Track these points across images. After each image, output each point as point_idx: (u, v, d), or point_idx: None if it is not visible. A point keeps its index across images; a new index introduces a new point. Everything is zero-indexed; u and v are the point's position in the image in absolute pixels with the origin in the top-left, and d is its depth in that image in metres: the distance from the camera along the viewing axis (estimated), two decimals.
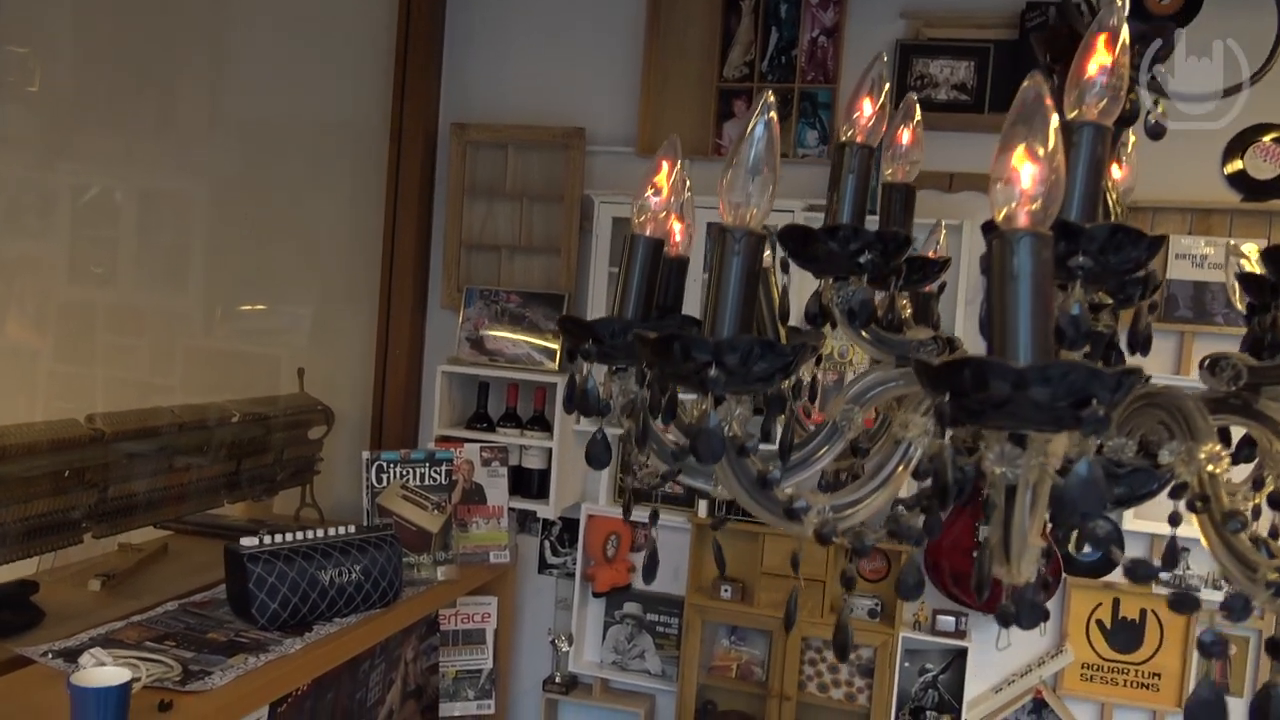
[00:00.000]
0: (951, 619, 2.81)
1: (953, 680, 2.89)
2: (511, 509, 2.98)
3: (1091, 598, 2.82)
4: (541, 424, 3.07)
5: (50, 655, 1.98)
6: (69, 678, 1.67)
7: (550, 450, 3.02)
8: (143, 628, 2.17)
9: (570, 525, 3.22)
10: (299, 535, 2.34)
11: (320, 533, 2.38)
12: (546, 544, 3.27)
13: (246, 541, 2.25)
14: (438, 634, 2.71)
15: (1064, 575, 2.78)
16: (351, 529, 2.44)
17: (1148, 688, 2.79)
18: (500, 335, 3.09)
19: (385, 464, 2.70)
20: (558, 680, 3.14)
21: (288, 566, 2.24)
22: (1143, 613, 2.79)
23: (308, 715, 2.18)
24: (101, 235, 3.06)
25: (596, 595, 3.12)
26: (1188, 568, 2.73)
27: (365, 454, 2.70)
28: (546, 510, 3.04)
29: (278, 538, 2.30)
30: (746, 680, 2.98)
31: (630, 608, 3.15)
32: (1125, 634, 2.80)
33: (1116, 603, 2.81)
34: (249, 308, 3.34)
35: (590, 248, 3.04)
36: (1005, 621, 0.62)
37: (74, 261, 3.02)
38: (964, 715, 2.83)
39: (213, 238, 3.19)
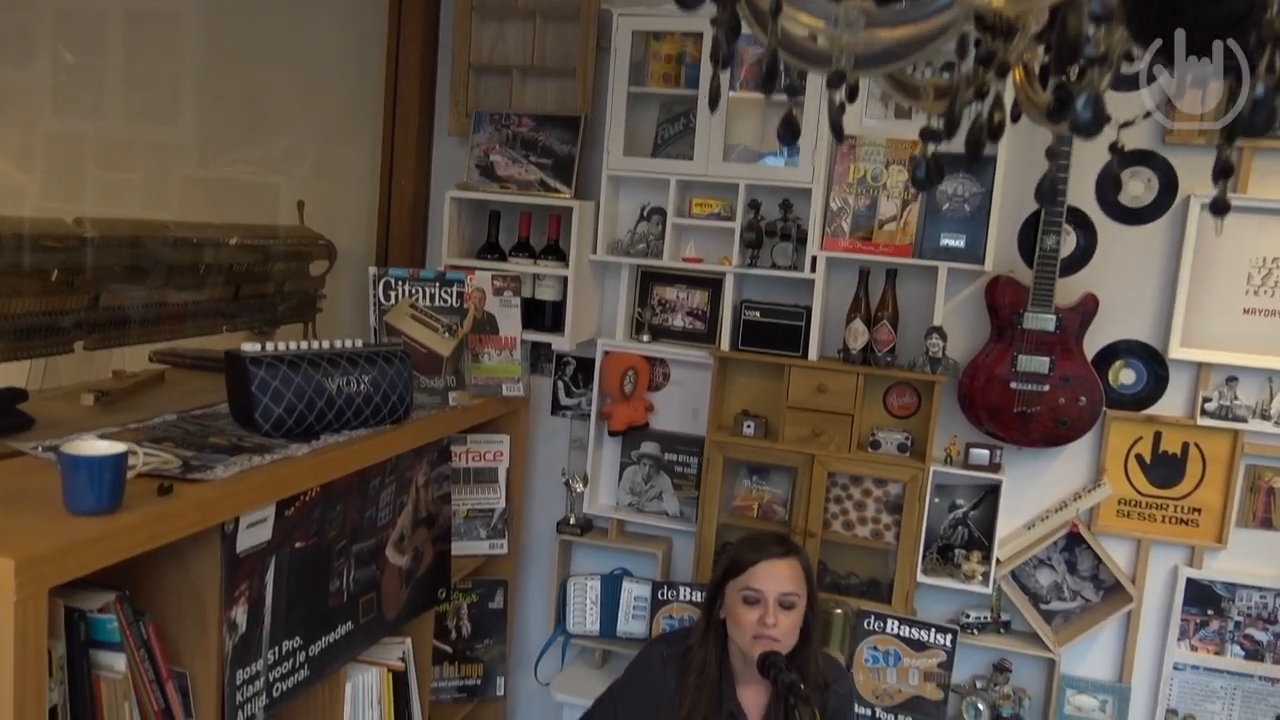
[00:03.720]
0: (985, 452, 2.69)
1: (984, 517, 2.78)
2: (524, 341, 2.83)
3: (1131, 431, 2.70)
4: (556, 254, 2.91)
5: (40, 449, 1.85)
6: (59, 449, 1.54)
7: (565, 280, 2.87)
8: (140, 432, 2.04)
9: (585, 365, 3.09)
10: (304, 345, 2.21)
11: (326, 344, 2.25)
12: (560, 384, 3.14)
13: (248, 346, 2.11)
14: (449, 463, 2.59)
15: (1104, 409, 2.66)
16: (359, 343, 2.30)
17: (1187, 523, 2.69)
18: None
19: (393, 280, 2.55)
20: (572, 522, 3.04)
21: (293, 372, 2.10)
22: (1184, 446, 2.67)
23: (316, 524, 2.06)
24: (86, 63, 2.88)
25: (613, 434, 3.00)
26: (1235, 397, 2.60)
27: (372, 270, 2.56)
28: (561, 343, 2.90)
29: (281, 346, 2.16)
30: (769, 520, 2.87)
31: (648, 447, 3.03)
32: (1165, 468, 2.69)
33: (1158, 436, 2.69)
34: (244, 137, 3.16)
35: (608, 67, 2.85)
36: None
37: (58, 92, 2.84)
38: (994, 552, 2.73)
39: (204, 63, 3.00)
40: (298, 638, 2.06)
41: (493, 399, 2.76)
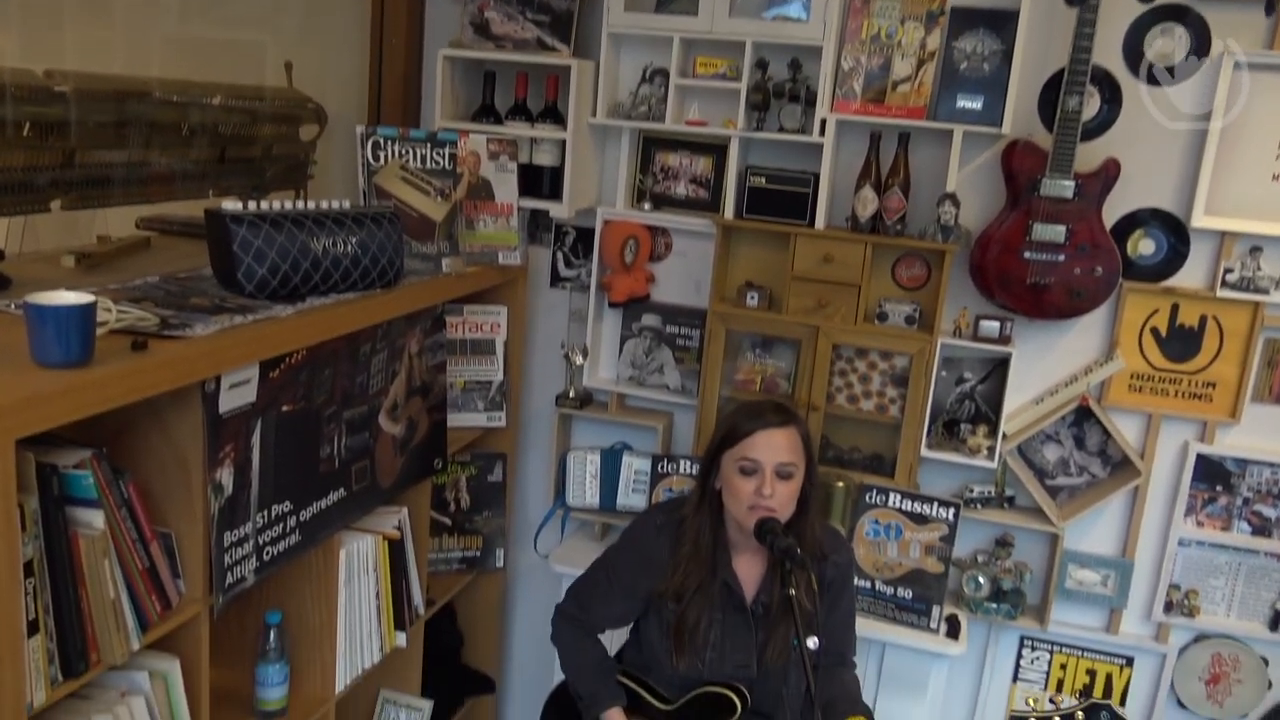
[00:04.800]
0: (995, 324, 2.61)
1: (991, 391, 2.72)
2: (521, 208, 2.74)
3: (1148, 303, 2.61)
4: (554, 117, 2.79)
5: (13, 306, 1.78)
6: (26, 300, 1.47)
7: (563, 144, 2.76)
8: (118, 292, 1.96)
9: (584, 235, 2.99)
10: (288, 205, 2.11)
11: (312, 204, 2.15)
12: (559, 255, 3.05)
13: (229, 204, 2.02)
14: (443, 332, 2.53)
15: (1121, 280, 2.57)
16: (346, 204, 2.21)
17: (1200, 398, 2.62)
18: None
19: (382, 140, 2.44)
20: (571, 396, 2.99)
21: (276, 231, 2.02)
22: (1202, 319, 2.59)
23: (303, 388, 2.01)
24: None
25: (613, 306, 2.92)
26: (1259, 268, 2.50)
27: (359, 128, 2.45)
28: (560, 210, 2.80)
29: (264, 205, 2.07)
30: (772, 394, 2.81)
31: (649, 320, 2.96)
32: (1181, 342, 2.61)
33: (1175, 309, 2.60)
34: None
35: None
36: None
37: None
38: (1001, 427, 2.67)
39: None
40: (288, 502, 2.03)
41: (489, 267, 2.68)
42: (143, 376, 1.56)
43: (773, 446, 2.04)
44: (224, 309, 1.91)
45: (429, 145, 2.49)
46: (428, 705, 2.70)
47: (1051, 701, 2.85)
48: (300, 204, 2.12)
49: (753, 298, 2.74)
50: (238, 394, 1.82)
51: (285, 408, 1.97)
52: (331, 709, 2.30)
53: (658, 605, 2.14)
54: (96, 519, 1.53)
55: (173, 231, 2.77)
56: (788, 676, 2.14)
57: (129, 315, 1.71)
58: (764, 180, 2.69)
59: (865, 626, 2.63)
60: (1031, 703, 2.88)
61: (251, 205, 2.04)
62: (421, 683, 2.76)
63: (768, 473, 2.02)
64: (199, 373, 1.68)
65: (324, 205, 2.15)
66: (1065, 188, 2.48)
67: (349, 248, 2.14)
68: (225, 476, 1.82)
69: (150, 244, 2.60)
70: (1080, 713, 1.84)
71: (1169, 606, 2.73)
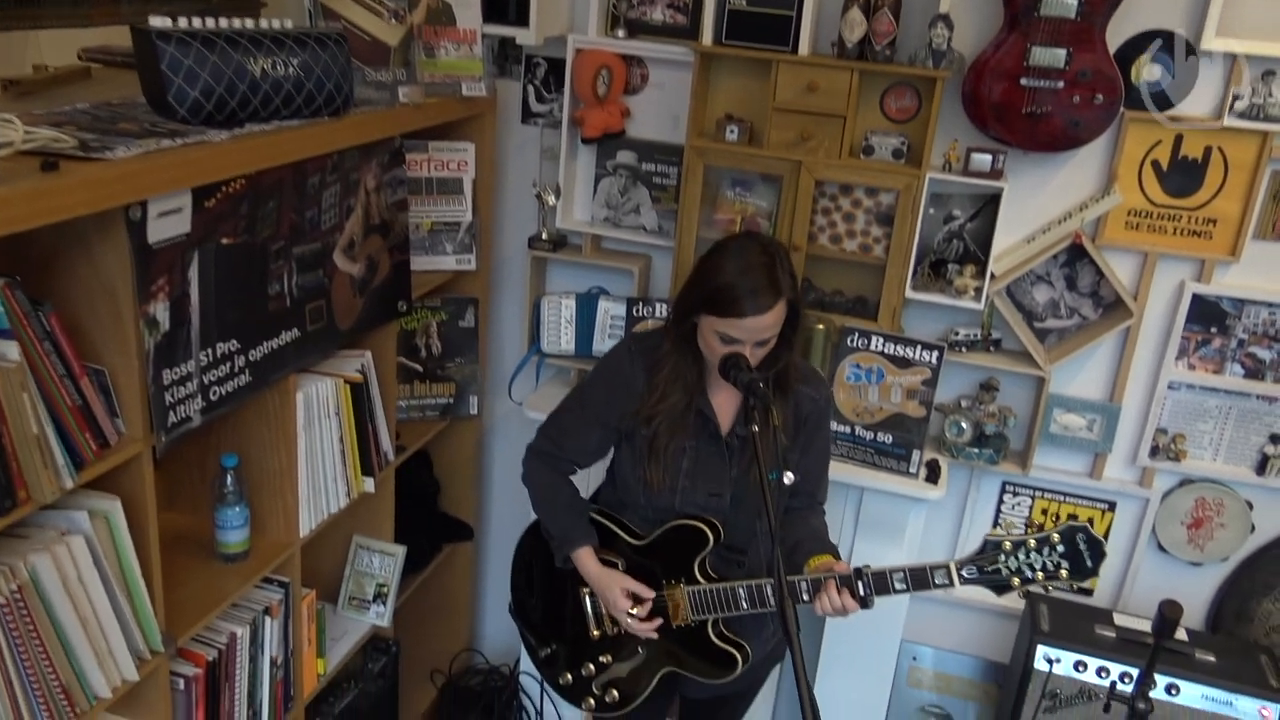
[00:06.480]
0: (987, 157, 2.47)
1: (981, 229, 2.60)
2: (486, 35, 2.56)
3: (1150, 135, 2.46)
4: None
5: None
6: None
7: None
8: (40, 118, 1.82)
9: (556, 68, 2.82)
10: (221, 22, 1.95)
11: (250, 23, 1.99)
12: (530, 89, 2.88)
13: (156, 20, 1.86)
14: (403, 166, 2.39)
15: (1123, 109, 2.42)
16: (288, 23, 2.04)
17: (1199, 235, 2.50)
18: None
19: None
20: (545, 238, 2.87)
21: (208, 49, 1.85)
22: (1207, 151, 2.44)
23: (245, 219, 1.89)
24: None
25: (586, 141, 2.77)
26: (1270, 95, 2.35)
27: None
28: (527, 36, 2.62)
29: (196, 22, 1.91)
30: (756, 234, 2.68)
31: (624, 157, 2.81)
32: (1183, 176, 2.47)
33: (1178, 140, 2.45)
34: None
35: None
36: None
37: None
38: (989, 266, 2.56)
39: None
40: (234, 341, 1.93)
41: (451, 99, 2.52)
42: (52, 199, 1.44)
43: (759, 328, 1.89)
44: (153, 133, 1.77)
45: None
46: (400, 550, 2.67)
47: (1028, 527, 2.84)
48: (234, 22, 1.95)
49: (732, 131, 2.59)
50: (169, 223, 1.70)
51: (225, 240, 1.86)
52: (297, 553, 2.27)
53: (630, 432, 2.07)
54: (10, 350, 1.44)
55: (116, 63, 2.60)
56: (761, 512, 2.08)
57: (40, 136, 1.58)
58: (745, 2, 2.50)
59: (844, 471, 2.58)
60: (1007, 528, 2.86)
61: (182, 22, 1.88)
62: (396, 529, 2.73)
63: (749, 346, 1.91)
64: (118, 197, 1.56)
65: (262, 24, 1.99)
66: (1068, 6, 2.30)
67: (290, 70, 1.98)
68: (160, 311, 1.72)
69: (91, 75, 2.44)
70: (1056, 534, 1.79)
71: (1155, 451, 2.67)
